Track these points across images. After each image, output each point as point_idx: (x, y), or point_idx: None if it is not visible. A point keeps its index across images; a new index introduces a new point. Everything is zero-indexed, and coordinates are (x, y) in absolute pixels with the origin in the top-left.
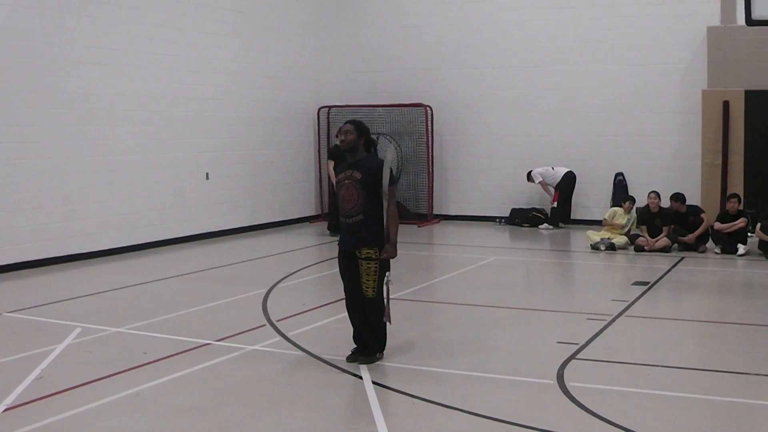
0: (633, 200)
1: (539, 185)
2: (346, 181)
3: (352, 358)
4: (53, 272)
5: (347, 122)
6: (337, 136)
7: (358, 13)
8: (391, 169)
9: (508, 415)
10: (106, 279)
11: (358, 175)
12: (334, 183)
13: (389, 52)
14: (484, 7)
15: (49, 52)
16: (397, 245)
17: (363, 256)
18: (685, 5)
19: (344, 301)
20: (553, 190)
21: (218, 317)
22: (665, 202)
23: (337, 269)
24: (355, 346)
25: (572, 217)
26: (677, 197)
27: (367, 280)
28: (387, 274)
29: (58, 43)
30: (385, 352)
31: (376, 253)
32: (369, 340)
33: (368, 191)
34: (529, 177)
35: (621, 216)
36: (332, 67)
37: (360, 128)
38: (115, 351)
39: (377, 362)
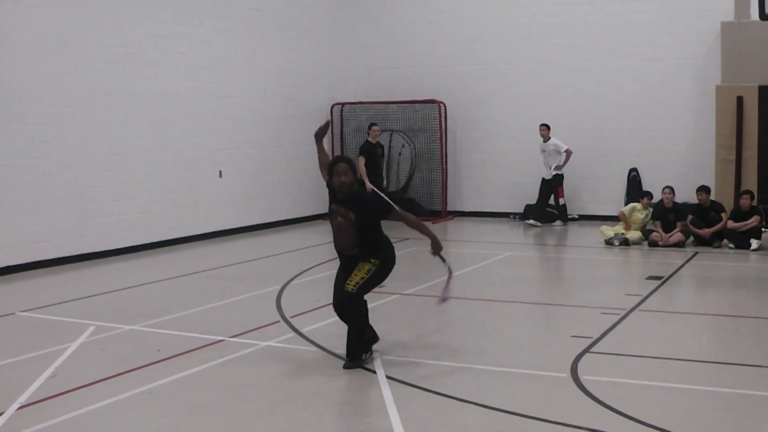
0: (651, 196)
1: (554, 152)
2: (339, 219)
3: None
4: (67, 271)
5: (340, 161)
6: (329, 176)
7: (371, 10)
8: (382, 197)
9: (522, 409)
10: (119, 277)
11: (352, 216)
12: (366, 182)
13: (402, 48)
14: (498, 3)
15: (63, 50)
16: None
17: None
18: (699, 0)
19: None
20: (560, 161)
21: (232, 314)
22: (679, 198)
23: None
24: None
25: (587, 212)
26: (704, 189)
27: (356, 275)
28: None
29: (72, 41)
30: (399, 346)
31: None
32: (351, 343)
33: (363, 229)
34: (545, 127)
35: (639, 211)
36: (346, 64)
37: (353, 165)
38: (129, 348)
39: (390, 358)
